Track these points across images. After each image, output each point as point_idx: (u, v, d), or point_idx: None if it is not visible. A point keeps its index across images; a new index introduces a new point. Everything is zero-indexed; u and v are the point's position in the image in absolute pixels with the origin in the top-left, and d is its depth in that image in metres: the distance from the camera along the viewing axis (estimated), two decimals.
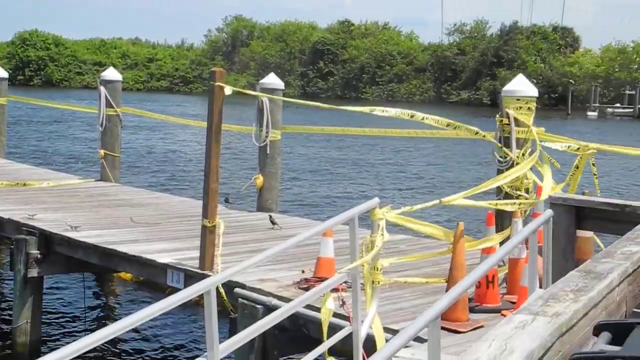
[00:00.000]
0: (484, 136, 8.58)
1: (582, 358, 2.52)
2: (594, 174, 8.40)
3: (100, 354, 9.36)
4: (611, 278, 3.51)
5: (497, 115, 8.86)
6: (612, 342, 2.77)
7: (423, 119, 8.20)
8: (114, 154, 13.64)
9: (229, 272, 4.15)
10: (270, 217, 10.27)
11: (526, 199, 8.08)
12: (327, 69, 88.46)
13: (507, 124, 8.66)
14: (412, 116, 8.19)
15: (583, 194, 8.25)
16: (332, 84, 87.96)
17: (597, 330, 2.86)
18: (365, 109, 8.75)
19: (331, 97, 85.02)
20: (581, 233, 7.28)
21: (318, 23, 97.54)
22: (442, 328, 6.26)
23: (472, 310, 6.79)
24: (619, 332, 2.79)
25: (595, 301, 3.24)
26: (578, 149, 8.50)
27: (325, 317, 5.52)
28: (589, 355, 2.55)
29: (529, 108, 8.74)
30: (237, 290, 7.22)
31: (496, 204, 7.91)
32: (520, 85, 8.94)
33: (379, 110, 8.47)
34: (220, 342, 4.23)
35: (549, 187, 7.68)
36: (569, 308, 3.00)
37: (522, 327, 2.73)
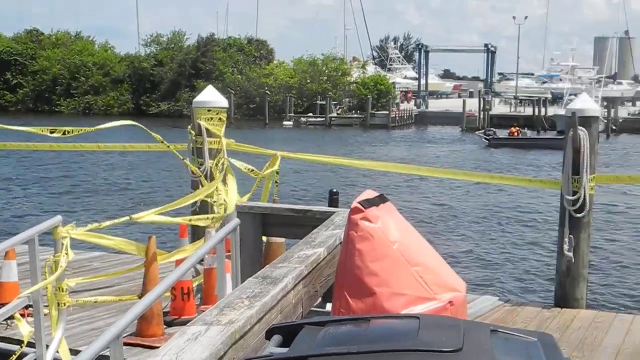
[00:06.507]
0: (168, 146, 8.57)
1: None
2: (276, 182, 8.72)
3: None
4: (286, 282, 3.63)
5: (189, 127, 8.91)
6: (283, 344, 2.85)
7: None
8: None
9: None
10: None
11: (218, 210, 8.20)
12: (15, 80, 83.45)
13: (199, 135, 8.74)
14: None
15: (273, 201, 8.56)
16: (22, 97, 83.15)
17: (269, 334, 2.94)
18: None
19: (21, 110, 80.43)
20: (274, 239, 7.54)
21: (3, 32, 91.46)
22: (138, 345, 6.17)
23: (169, 324, 6.74)
24: (289, 333, 2.88)
25: (270, 306, 3.34)
26: (258, 174, 8.76)
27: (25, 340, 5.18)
28: (257, 359, 2.61)
29: (220, 119, 8.89)
30: None
31: (190, 219, 7.93)
32: (211, 96, 9.05)
33: None
34: None
35: (234, 199, 7.86)
36: (243, 315, 3.06)
37: (195, 339, 2.73)
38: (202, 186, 8.20)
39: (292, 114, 74.53)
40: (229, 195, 7.96)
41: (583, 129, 7.38)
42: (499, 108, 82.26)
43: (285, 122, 71.04)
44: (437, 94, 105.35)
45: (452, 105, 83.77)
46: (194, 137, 8.76)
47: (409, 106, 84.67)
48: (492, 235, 18.69)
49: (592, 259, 13.32)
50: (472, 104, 73.37)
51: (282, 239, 7.68)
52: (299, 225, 6.02)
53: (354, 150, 43.57)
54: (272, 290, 3.43)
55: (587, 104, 7.79)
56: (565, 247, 7.46)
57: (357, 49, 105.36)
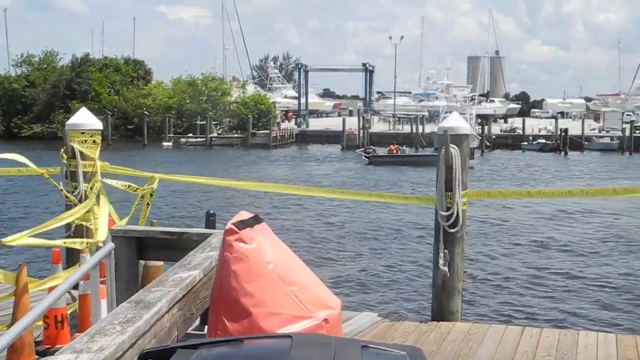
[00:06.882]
0: (42, 173, 8.32)
1: None
2: (147, 204, 8.57)
3: None
4: (160, 306, 3.58)
5: (62, 150, 8.67)
6: None
7: None
8: None
9: None
10: None
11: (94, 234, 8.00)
12: None
13: (72, 158, 8.51)
14: None
15: (152, 224, 8.41)
16: None
17: (141, 359, 2.89)
18: None
19: None
20: (152, 263, 7.40)
21: None
22: None
23: (43, 353, 6.50)
24: (162, 358, 2.85)
25: (143, 330, 3.28)
26: (137, 189, 8.62)
27: None
28: None
29: (94, 141, 8.69)
30: None
31: (64, 242, 7.71)
32: (84, 118, 8.84)
33: None
34: None
35: (106, 224, 7.69)
36: (115, 341, 3.00)
37: None
38: None
39: (172, 135, 73.75)
40: (101, 219, 7.79)
41: (454, 146, 7.61)
42: (378, 126, 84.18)
43: (164, 143, 70.20)
44: (318, 113, 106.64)
45: (332, 123, 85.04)
46: (66, 161, 8.54)
47: (289, 125, 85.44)
48: (375, 252, 19.00)
49: (468, 272, 13.78)
50: (352, 123, 74.68)
51: (160, 263, 7.55)
52: (176, 248, 5.93)
53: (235, 171, 43.45)
54: (145, 315, 3.37)
55: (458, 122, 8.03)
56: (441, 261, 7.65)
57: (237, 69, 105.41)
